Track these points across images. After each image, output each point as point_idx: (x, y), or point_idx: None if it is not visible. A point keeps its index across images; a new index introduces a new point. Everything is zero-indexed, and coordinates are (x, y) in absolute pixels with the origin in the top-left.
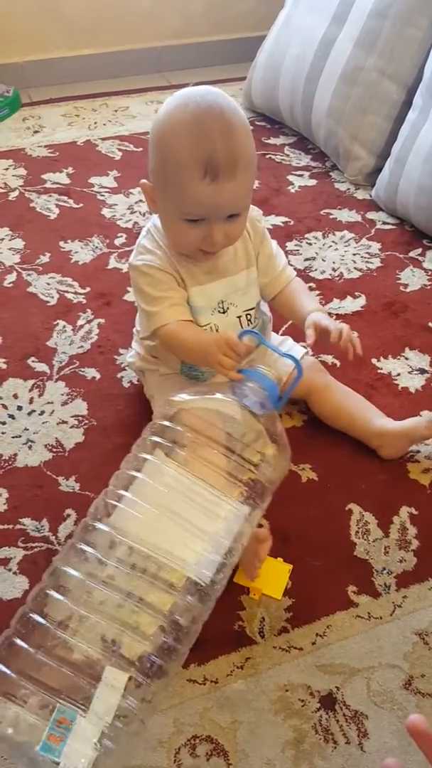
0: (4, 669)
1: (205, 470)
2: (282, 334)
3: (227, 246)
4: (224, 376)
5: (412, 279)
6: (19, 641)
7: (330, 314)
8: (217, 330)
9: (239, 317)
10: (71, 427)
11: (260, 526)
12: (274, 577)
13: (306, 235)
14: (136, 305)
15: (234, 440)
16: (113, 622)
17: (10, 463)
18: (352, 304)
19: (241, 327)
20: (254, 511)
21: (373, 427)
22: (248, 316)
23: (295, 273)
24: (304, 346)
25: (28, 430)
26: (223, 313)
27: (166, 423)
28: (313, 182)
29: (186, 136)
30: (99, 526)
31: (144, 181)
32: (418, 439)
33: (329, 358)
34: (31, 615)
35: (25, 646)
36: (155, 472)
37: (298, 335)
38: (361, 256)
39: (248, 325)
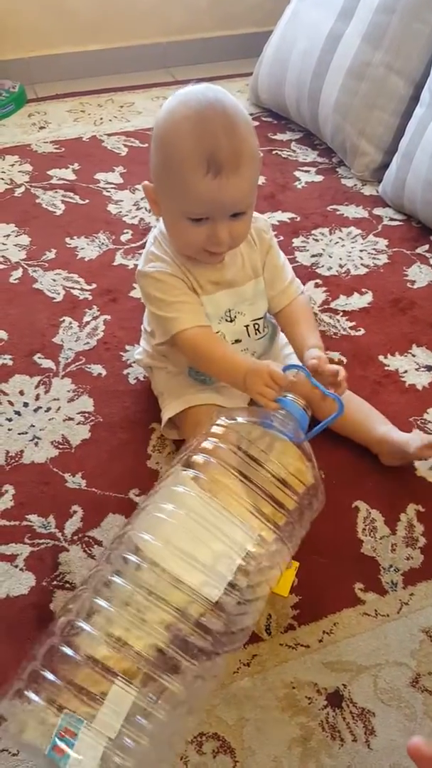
0: (51, 677)
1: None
2: None
3: (233, 247)
4: (261, 404)
5: (419, 275)
6: (64, 648)
7: (336, 311)
8: (223, 337)
9: (247, 326)
10: (77, 423)
11: None
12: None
13: (313, 232)
14: (143, 302)
15: (280, 468)
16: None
17: (16, 459)
18: (359, 301)
19: (248, 336)
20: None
21: (375, 434)
22: (256, 326)
23: (302, 288)
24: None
25: (34, 426)
26: (231, 321)
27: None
28: (319, 178)
29: (188, 133)
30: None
31: (146, 183)
32: (413, 457)
33: (336, 355)
34: (76, 622)
35: (71, 653)
36: (190, 504)
37: None
38: (368, 253)
39: (256, 334)
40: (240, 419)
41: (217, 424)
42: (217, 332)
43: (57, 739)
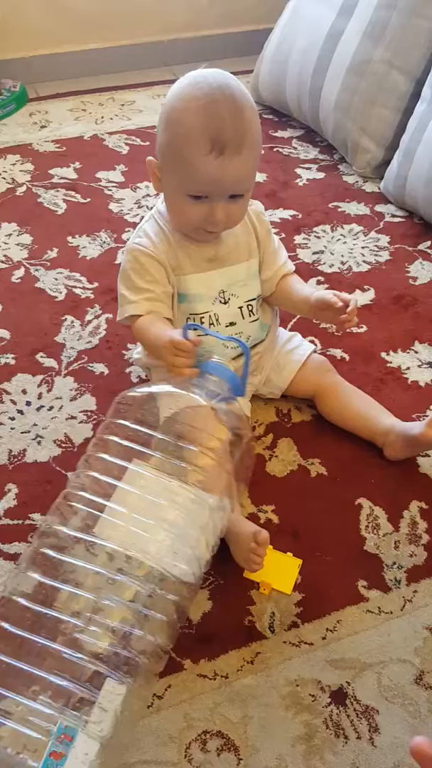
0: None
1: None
2: (291, 330)
3: (228, 227)
4: (180, 375)
5: (421, 272)
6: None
7: None
8: (217, 319)
9: (240, 308)
10: (80, 422)
11: (270, 522)
12: (283, 572)
13: (314, 229)
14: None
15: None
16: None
17: (19, 458)
18: (361, 298)
19: (243, 317)
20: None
21: (380, 426)
22: (249, 307)
23: (294, 268)
24: (312, 341)
25: (37, 425)
26: (225, 303)
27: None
28: (321, 175)
29: (196, 112)
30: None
31: (150, 158)
32: (419, 446)
33: (338, 352)
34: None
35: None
36: (133, 479)
37: (306, 331)
38: (370, 249)
39: (250, 316)
40: (163, 389)
41: (120, 402)
42: (209, 313)
43: None
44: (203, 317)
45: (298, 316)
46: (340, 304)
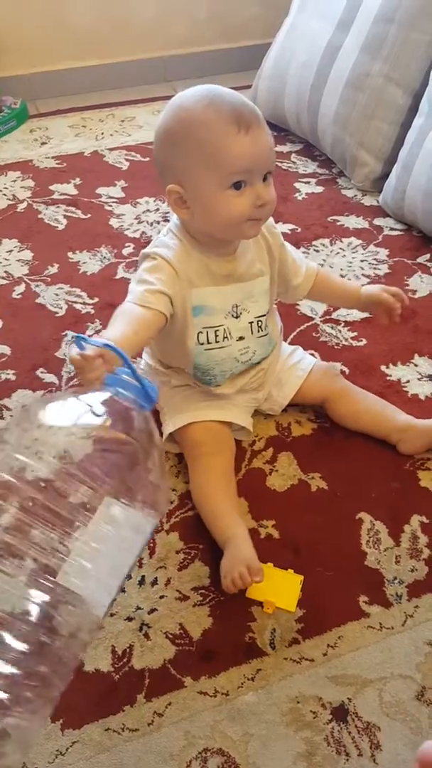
0: None
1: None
2: (291, 344)
3: (271, 211)
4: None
5: (420, 285)
6: None
7: (338, 321)
8: (229, 333)
9: (251, 323)
10: (80, 437)
11: (270, 537)
12: (286, 590)
13: (313, 242)
14: None
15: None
16: None
17: (20, 473)
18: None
19: (252, 333)
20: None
21: (397, 422)
22: (259, 323)
23: (317, 265)
24: (312, 354)
25: (37, 440)
26: (237, 318)
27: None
28: (320, 189)
29: (205, 109)
30: None
31: (170, 186)
32: None
33: (338, 366)
34: None
35: None
36: None
37: (305, 344)
38: (369, 263)
39: (259, 331)
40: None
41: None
42: (222, 326)
43: None
44: (218, 330)
45: (297, 330)
46: (392, 300)
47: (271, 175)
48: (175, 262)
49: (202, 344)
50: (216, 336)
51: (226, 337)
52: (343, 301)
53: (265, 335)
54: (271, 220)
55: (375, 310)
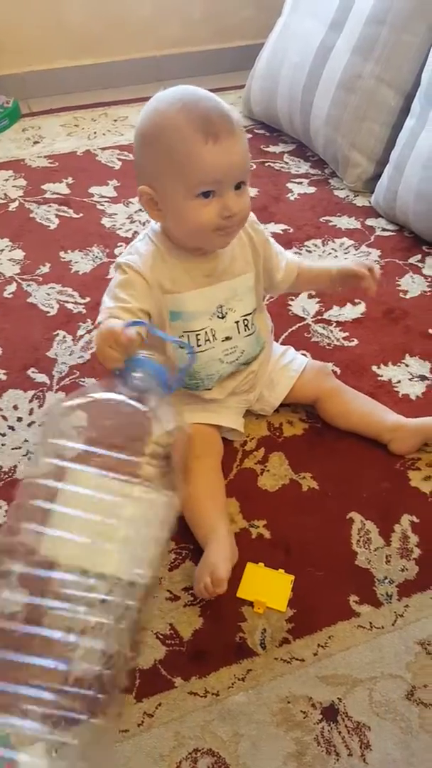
0: None
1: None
2: (283, 344)
3: (242, 223)
4: (108, 368)
5: (411, 285)
6: None
7: (330, 322)
8: (213, 335)
9: (237, 322)
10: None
11: (261, 536)
12: (276, 590)
13: (305, 243)
14: None
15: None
16: None
17: (9, 474)
18: (352, 311)
19: (238, 332)
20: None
21: (387, 422)
22: (245, 322)
23: (297, 259)
24: (303, 354)
25: (28, 441)
26: (222, 318)
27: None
28: (312, 190)
29: (177, 114)
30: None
31: (141, 188)
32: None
33: (329, 366)
34: None
35: None
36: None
37: (297, 344)
38: None
39: (245, 330)
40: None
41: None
42: (205, 329)
43: None
44: (199, 334)
45: (289, 331)
46: (364, 271)
47: (245, 184)
48: (145, 271)
49: (183, 348)
50: (197, 339)
51: (209, 339)
52: (318, 282)
53: (252, 334)
54: (253, 216)
55: (349, 283)
